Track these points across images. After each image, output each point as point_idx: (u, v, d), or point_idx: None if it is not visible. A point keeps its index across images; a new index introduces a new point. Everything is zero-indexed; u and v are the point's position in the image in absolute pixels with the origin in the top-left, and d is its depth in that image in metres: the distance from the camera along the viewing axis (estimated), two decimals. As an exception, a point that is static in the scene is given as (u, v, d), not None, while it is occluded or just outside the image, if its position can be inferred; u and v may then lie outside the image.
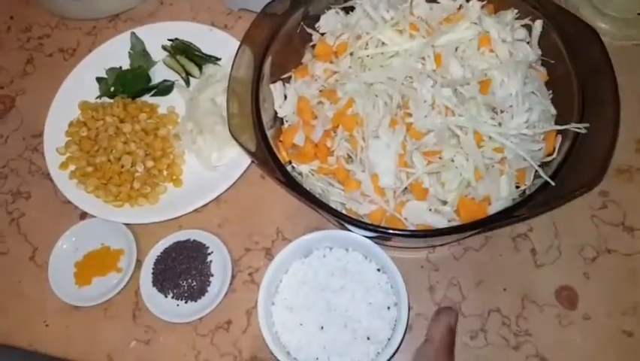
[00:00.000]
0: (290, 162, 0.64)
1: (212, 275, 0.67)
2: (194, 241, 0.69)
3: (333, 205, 0.57)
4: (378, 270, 0.60)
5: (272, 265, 0.60)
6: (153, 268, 0.68)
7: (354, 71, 0.61)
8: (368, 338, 0.57)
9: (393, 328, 0.57)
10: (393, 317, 0.58)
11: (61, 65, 0.85)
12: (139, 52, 0.79)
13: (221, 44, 0.78)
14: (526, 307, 0.63)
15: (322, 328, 0.58)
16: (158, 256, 0.68)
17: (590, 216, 0.67)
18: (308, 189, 0.57)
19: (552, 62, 0.62)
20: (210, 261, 0.68)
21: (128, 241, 0.70)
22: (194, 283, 0.67)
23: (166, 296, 0.67)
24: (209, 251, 0.68)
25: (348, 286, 0.59)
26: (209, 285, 0.67)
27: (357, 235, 0.59)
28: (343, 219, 0.56)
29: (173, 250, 0.68)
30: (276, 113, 0.66)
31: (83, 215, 0.73)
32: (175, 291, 0.67)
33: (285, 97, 0.66)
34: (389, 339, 0.57)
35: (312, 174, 0.63)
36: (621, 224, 0.66)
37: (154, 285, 0.67)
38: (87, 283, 0.69)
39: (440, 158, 0.57)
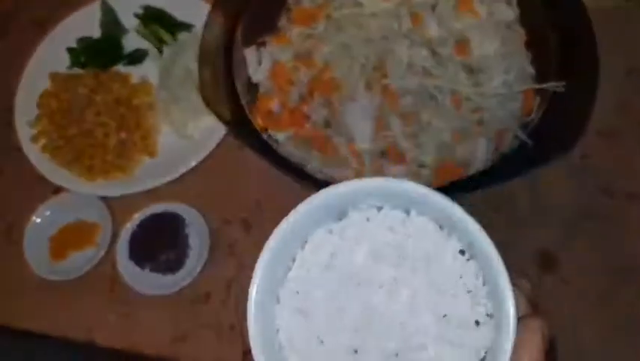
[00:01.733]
0: (266, 130, 0.62)
1: (190, 247, 0.67)
2: (170, 213, 0.68)
3: (310, 172, 0.56)
4: (462, 252, 0.33)
5: (276, 232, 0.32)
6: (130, 241, 0.67)
7: (330, 33, 0.60)
8: None
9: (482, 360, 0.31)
10: (485, 339, 0.31)
11: (33, 36, 0.82)
12: (110, 21, 0.77)
13: (195, 11, 0.75)
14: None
15: (356, 352, 0.32)
16: (135, 229, 0.67)
17: (572, 179, 0.67)
18: (285, 156, 0.56)
19: (531, 22, 0.61)
20: (188, 233, 0.67)
21: (103, 214, 0.68)
22: (172, 256, 0.66)
23: (143, 269, 0.66)
24: (186, 223, 0.67)
25: (406, 279, 0.32)
26: (186, 257, 0.66)
27: (423, 187, 0.32)
28: (319, 186, 0.55)
29: (149, 222, 0.67)
30: (250, 79, 0.64)
31: (57, 189, 0.71)
32: (152, 264, 0.66)
33: (260, 62, 0.64)
34: None
35: (289, 141, 0.62)
36: (602, 187, 0.66)
37: (131, 258, 0.66)
38: (63, 258, 0.68)
39: (417, 120, 0.56)
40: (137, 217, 0.67)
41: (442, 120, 0.55)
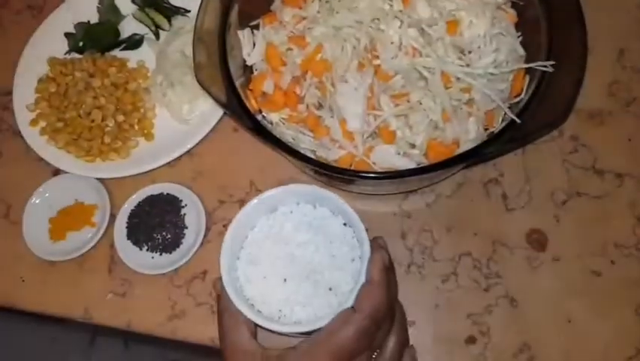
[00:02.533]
0: (260, 111, 0.63)
1: (187, 227, 0.68)
2: (167, 194, 0.69)
3: (303, 153, 0.57)
4: (345, 224, 0.58)
5: (235, 220, 0.57)
6: (127, 222, 0.68)
7: (322, 15, 0.60)
8: (330, 289, 0.55)
9: (356, 280, 0.55)
10: (357, 269, 0.56)
11: (29, 21, 0.83)
12: (108, 6, 0.77)
13: (190, -4, 0.76)
14: (496, 250, 0.64)
15: (285, 280, 0.56)
16: (132, 210, 0.68)
17: (561, 160, 0.67)
18: (279, 137, 0.57)
19: (521, 3, 0.62)
20: (184, 214, 0.68)
21: (101, 195, 0.69)
22: (169, 236, 0.67)
23: (141, 249, 0.67)
24: (182, 204, 0.69)
25: (313, 239, 0.57)
26: (183, 237, 0.67)
27: (323, 190, 0.57)
28: (313, 165, 0.56)
29: (146, 203, 0.68)
30: (245, 61, 0.65)
31: (56, 171, 0.73)
32: (150, 244, 0.67)
33: (254, 45, 0.65)
34: (351, 290, 0.54)
35: (283, 123, 0.63)
36: (592, 167, 0.67)
37: (128, 238, 0.68)
38: (62, 238, 0.69)
39: (408, 101, 0.56)
40: (135, 198, 0.68)
41: (432, 100, 0.56)
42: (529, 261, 0.63)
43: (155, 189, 0.69)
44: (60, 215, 0.70)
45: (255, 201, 0.57)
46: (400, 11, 0.56)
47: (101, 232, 0.68)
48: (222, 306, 0.55)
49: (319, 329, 0.52)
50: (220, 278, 0.57)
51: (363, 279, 0.54)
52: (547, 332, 0.61)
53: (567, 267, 0.63)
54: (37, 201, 0.70)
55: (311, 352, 0.51)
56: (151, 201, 0.68)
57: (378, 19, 0.57)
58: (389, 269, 0.54)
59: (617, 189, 0.66)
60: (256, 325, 0.55)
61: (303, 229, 0.57)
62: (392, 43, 0.56)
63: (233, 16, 0.63)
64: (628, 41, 0.73)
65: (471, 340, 0.61)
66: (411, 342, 0.61)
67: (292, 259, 0.57)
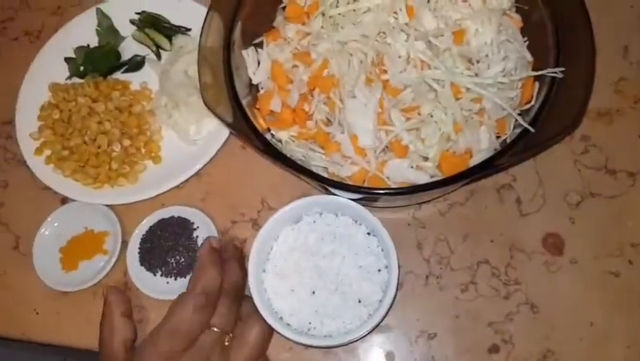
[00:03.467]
0: (269, 130, 0.63)
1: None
2: (178, 217, 0.68)
3: (315, 170, 0.56)
4: (368, 233, 0.60)
5: (260, 232, 0.59)
6: (139, 248, 0.67)
7: (326, 30, 0.60)
8: (359, 301, 0.57)
9: (384, 290, 0.57)
10: (384, 279, 0.58)
11: (27, 48, 0.82)
12: (107, 28, 0.77)
13: (190, 14, 0.75)
14: (514, 256, 0.64)
15: (313, 293, 0.58)
16: (143, 235, 0.68)
17: (573, 161, 0.67)
18: (288, 155, 0.56)
19: (526, 8, 0.61)
20: (197, 236, 0.67)
21: (111, 222, 0.69)
22: (182, 260, 0.66)
23: (155, 275, 0.66)
24: (194, 226, 0.68)
25: (338, 250, 0.58)
26: (197, 260, 0.66)
27: (345, 199, 0.58)
28: (326, 183, 0.55)
29: (157, 228, 0.68)
30: (250, 80, 0.65)
31: (64, 200, 0.72)
32: (164, 269, 0.66)
33: (259, 63, 0.64)
34: (380, 301, 0.57)
35: (292, 141, 0.62)
36: (604, 167, 0.67)
37: (141, 264, 0.67)
38: (74, 268, 0.68)
39: (419, 114, 0.56)
40: (145, 223, 0.68)
41: (443, 112, 0.55)
42: (547, 265, 0.63)
43: (166, 212, 0.68)
44: (71, 244, 0.69)
45: (280, 212, 0.60)
46: (406, 24, 0.56)
47: (114, 259, 0.67)
48: (105, 312, 0.60)
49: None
50: (110, 286, 0.64)
51: (392, 289, 0.56)
52: (570, 336, 0.60)
53: (585, 269, 0.62)
54: (46, 232, 0.70)
55: (152, 335, 0.56)
56: (162, 225, 0.68)
57: (384, 32, 0.57)
58: (228, 255, 0.60)
59: (630, 188, 0.65)
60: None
61: (327, 240, 0.59)
62: (400, 57, 0.55)
63: (237, 34, 0.62)
64: (631, 37, 0.72)
65: (494, 349, 0.60)
66: (432, 354, 0.61)
67: (319, 270, 0.58)
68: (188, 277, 0.66)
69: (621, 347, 0.59)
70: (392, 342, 0.62)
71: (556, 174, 0.67)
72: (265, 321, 0.57)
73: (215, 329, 0.56)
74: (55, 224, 0.70)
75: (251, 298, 0.60)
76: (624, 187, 0.66)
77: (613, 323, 0.60)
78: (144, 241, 0.67)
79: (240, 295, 0.60)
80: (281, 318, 0.58)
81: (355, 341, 0.58)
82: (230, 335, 0.57)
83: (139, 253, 0.67)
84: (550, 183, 0.66)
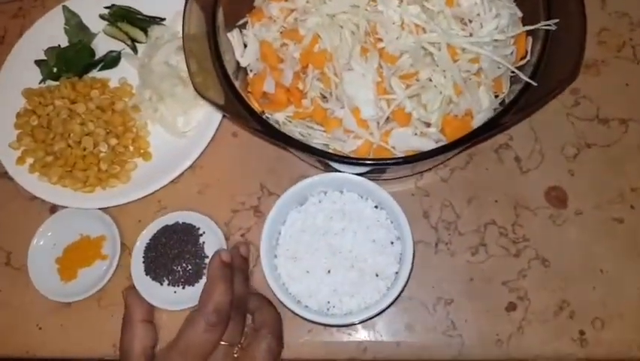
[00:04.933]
0: (263, 113, 0.61)
1: (207, 256, 0.64)
2: (183, 223, 0.65)
3: (317, 147, 0.55)
4: (376, 207, 0.60)
5: (268, 219, 0.58)
6: (144, 257, 0.64)
7: (313, 4, 0.58)
8: (377, 275, 0.57)
9: (399, 261, 0.57)
10: (398, 251, 0.58)
11: (-9, 55, 0.78)
12: (75, 26, 0.73)
13: (162, 3, 0.73)
14: (519, 214, 0.64)
15: (329, 272, 0.57)
16: (148, 243, 0.64)
17: (565, 115, 0.68)
18: (289, 135, 0.55)
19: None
20: (203, 242, 0.64)
21: (107, 225, 0.66)
22: (190, 267, 0.63)
23: (161, 284, 0.63)
24: (200, 232, 0.65)
25: (349, 227, 0.58)
26: (204, 267, 0.63)
27: (349, 175, 0.58)
28: (332, 159, 0.54)
29: (162, 235, 0.64)
30: (238, 63, 0.63)
31: (54, 208, 0.69)
32: (170, 278, 0.63)
33: (245, 45, 0.62)
34: (397, 273, 0.57)
35: (289, 121, 0.61)
36: (596, 117, 0.67)
37: (147, 274, 0.64)
38: (73, 277, 0.66)
39: (417, 80, 0.55)
40: (149, 231, 0.64)
41: (442, 75, 0.55)
42: (552, 219, 0.64)
43: (170, 218, 0.65)
44: (67, 253, 0.66)
45: (284, 196, 0.59)
46: (396, -11, 0.55)
47: (115, 263, 0.65)
48: (125, 316, 0.60)
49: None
50: (129, 287, 0.62)
51: (409, 260, 0.56)
52: (583, 285, 0.61)
53: (590, 219, 0.63)
54: (40, 243, 0.66)
55: (165, 355, 0.54)
56: (167, 232, 0.64)
57: (373, 0, 0.55)
58: (234, 267, 0.58)
59: (623, 135, 0.66)
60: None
61: (336, 218, 0.58)
62: (394, 23, 0.54)
63: (220, 17, 0.60)
64: (609, -13, 0.73)
65: (511, 307, 0.61)
66: (452, 319, 0.61)
67: (332, 249, 0.57)
68: (196, 285, 0.63)
69: (634, 289, 0.60)
70: (410, 313, 0.61)
71: (550, 129, 0.67)
72: (276, 339, 0.56)
73: (224, 343, 0.54)
74: (49, 234, 0.67)
75: (256, 294, 0.60)
76: (618, 134, 0.66)
77: (623, 268, 0.61)
78: (149, 249, 0.64)
79: (245, 306, 0.58)
80: (299, 301, 0.57)
81: (376, 315, 0.57)
82: (239, 345, 0.56)
83: (143, 262, 0.64)
84: (546, 139, 0.67)
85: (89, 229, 0.67)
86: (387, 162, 0.53)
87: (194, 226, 0.65)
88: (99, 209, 0.67)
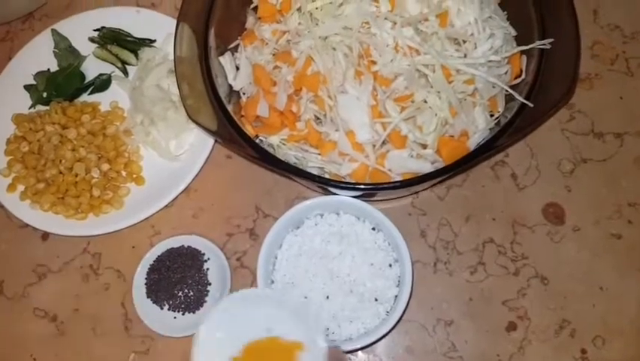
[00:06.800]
0: (257, 136, 0.60)
1: (210, 283, 0.63)
2: (188, 247, 0.64)
3: (312, 172, 0.55)
4: (373, 229, 0.59)
5: (264, 244, 0.57)
6: (146, 278, 0.63)
7: (305, 27, 0.58)
8: (376, 300, 0.56)
9: (398, 284, 0.56)
10: (396, 273, 0.57)
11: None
12: (65, 49, 0.72)
13: (152, 25, 0.72)
14: (517, 232, 0.64)
15: (328, 297, 0.56)
16: (151, 265, 0.63)
17: (561, 130, 0.67)
18: (283, 159, 0.54)
19: (503, -19, 0.61)
20: (207, 268, 0.63)
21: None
22: (191, 293, 0.62)
23: (162, 308, 0.62)
24: (205, 258, 0.64)
25: (347, 250, 0.57)
26: (207, 294, 0.62)
27: (346, 197, 0.57)
28: (328, 184, 0.54)
29: (166, 258, 0.63)
30: (230, 87, 0.62)
31: (46, 235, 0.68)
32: (171, 302, 0.62)
33: (238, 68, 0.62)
34: (396, 296, 0.56)
35: (284, 144, 0.60)
36: (591, 132, 0.67)
37: (148, 296, 0.62)
38: (67, 306, 0.65)
39: (412, 101, 0.55)
40: (154, 252, 0.63)
41: (437, 97, 0.54)
42: (551, 236, 0.63)
43: (176, 241, 0.64)
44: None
45: (280, 220, 0.58)
46: (389, 11, 0.54)
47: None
48: None
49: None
50: None
51: (408, 283, 0.55)
52: (583, 303, 0.61)
53: (588, 235, 0.63)
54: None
55: None
56: (171, 255, 0.63)
57: (366, 23, 0.55)
58: None
59: (619, 149, 0.66)
60: None
61: (334, 241, 0.57)
62: (387, 45, 0.53)
63: (211, 40, 0.59)
64: (599, 1, 0.73)
65: (511, 326, 0.60)
66: (452, 341, 0.60)
67: (330, 274, 0.56)
68: (197, 313, 0.61)
69: (634, 305, 0.60)
70: (410, 335, 0.61)
71: (546, 145, 0.67)
72: None
73: None
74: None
75: None
76: (613, 149, 0.66)
77: (622, 284, 0.61)
78: (151, 270, 0.63)
79: None
80: None
81: (376, 342, 0.56)
82: None
83: (145, 284, 0.63)
84: (542, 155, 0.67)
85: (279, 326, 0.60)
86: (385, 186, 0.52)
87: (200, 251, 0.64)
88: (93, 235, 0.65)
